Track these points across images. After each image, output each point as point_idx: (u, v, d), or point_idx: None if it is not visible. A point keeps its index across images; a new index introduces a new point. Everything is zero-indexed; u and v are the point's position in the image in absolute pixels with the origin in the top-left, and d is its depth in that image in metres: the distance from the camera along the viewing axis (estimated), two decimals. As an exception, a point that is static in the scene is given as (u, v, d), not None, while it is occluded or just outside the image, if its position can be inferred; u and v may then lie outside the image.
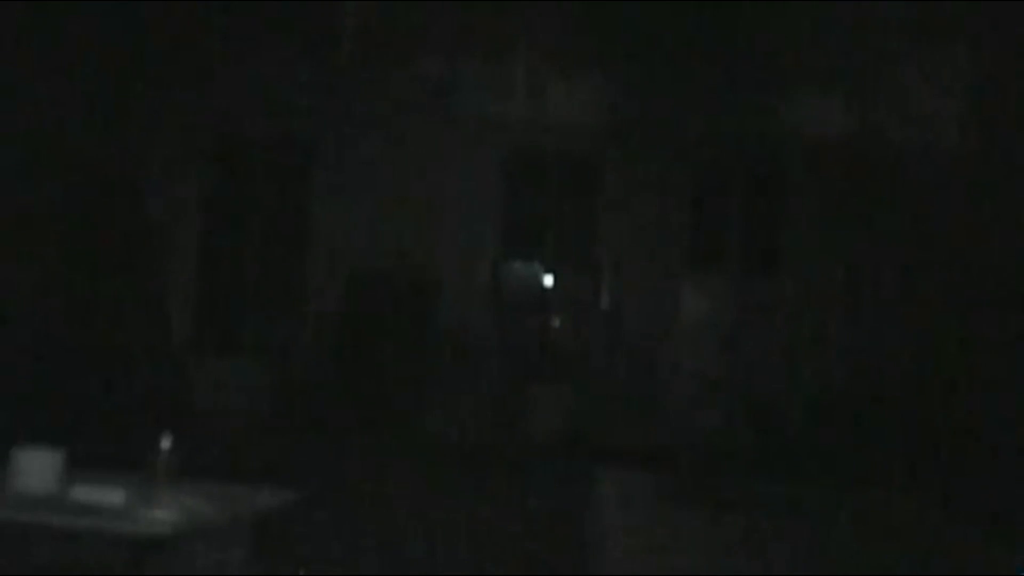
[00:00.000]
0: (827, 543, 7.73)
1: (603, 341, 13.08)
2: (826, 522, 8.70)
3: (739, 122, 13.04)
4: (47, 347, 11.15)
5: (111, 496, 3.76)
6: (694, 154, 13.28)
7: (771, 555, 7.26)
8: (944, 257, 12.23)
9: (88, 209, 12.23)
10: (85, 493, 3.77)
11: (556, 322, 13.46)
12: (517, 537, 7.62)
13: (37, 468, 3.86)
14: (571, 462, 11.43)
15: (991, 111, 12.39)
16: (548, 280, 13.51)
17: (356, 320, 13.07)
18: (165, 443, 3.90)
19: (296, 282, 13.56)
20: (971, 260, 12.07)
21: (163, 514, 3.68)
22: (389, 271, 13.06)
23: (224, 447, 9.50)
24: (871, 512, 9.21)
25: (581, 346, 13.20)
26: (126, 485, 3.83)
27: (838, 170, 12.90)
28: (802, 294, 12.95)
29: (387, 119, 13.14)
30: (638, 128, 13.10)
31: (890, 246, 12.56)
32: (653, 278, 13.14)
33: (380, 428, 12.05)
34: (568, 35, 13.02)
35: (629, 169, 13.29)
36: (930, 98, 12.60)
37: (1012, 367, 11.61)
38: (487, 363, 13.05)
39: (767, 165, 13.30)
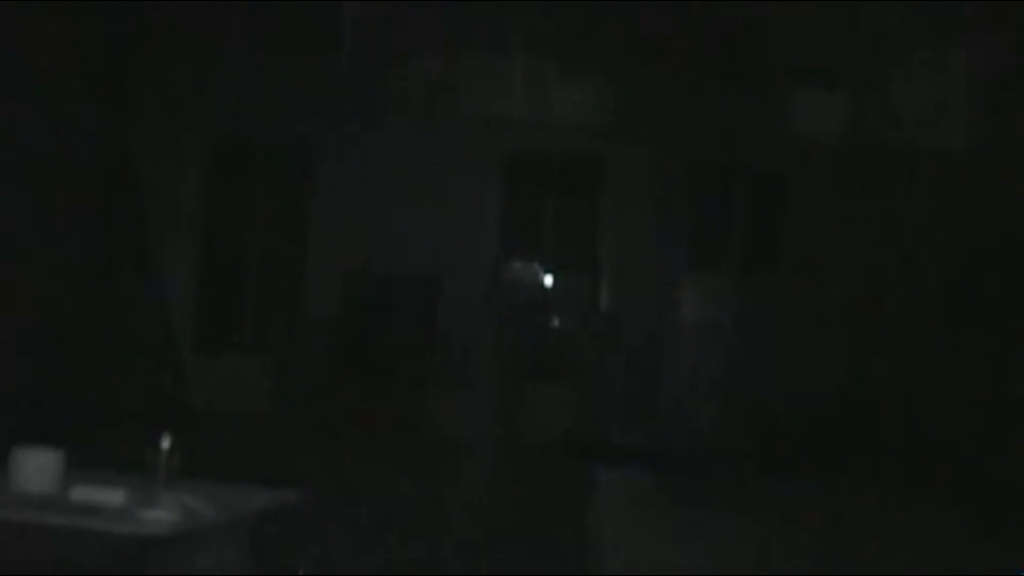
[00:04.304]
0: (827, 543, 7.74)
1: (603, 341, 13.08)
2: (826, 522, 8.70)
3: (739, 122, 13.04)
4: (47, 347, 11.14)
5: (111, 496, 3.76)
6: (694, 154, 13.28)
7: (771, 555, 7.27)
8: (944, 257, 12.23)
9: (87, 209, 12.22)
10: (85, 493, 3.77)
11: (556, 322, 13.47)
12: (517, 537, 7.62)
13: (37, 468, 3.86)
14: (571, 462, 11.44)
15: (991, 111, 12.39)
16: (548, 280, 13.51)
17: (356, 320, 13.07)
18: (165, 443, 3.90)
19: (296, 282, 13.56)
20: (971, 259, 12.06)
21: (163, 514, 3.68)
22: (389, 271, 13.06)
23: (224, 447, 9.50)
24: (870, 511, 9.21)
25: (581, 346, 13.19)
26: (126, 485, 3.83)
27: (838, 170, 12.90)
28: (802, 294, 12.94)
29: (387, 119, 13.13)
30: (638, 128, 13.10)
31: (890, 246, 12.56)
32: (653, 278, 13.14)
33: (380, 428, 12.05)
34: (568, 35, 13.01)
35: (629, 169, 13.29)
36: (930, 98, 12.59)
37: (1012, 366, 11.61)
38: (487, 363, 13.05)
39: (767, 165, 13.29)
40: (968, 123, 12.60)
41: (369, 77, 13.10)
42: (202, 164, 13.74)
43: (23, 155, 10.95)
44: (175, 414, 11.55)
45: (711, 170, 13.35)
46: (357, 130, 13.12)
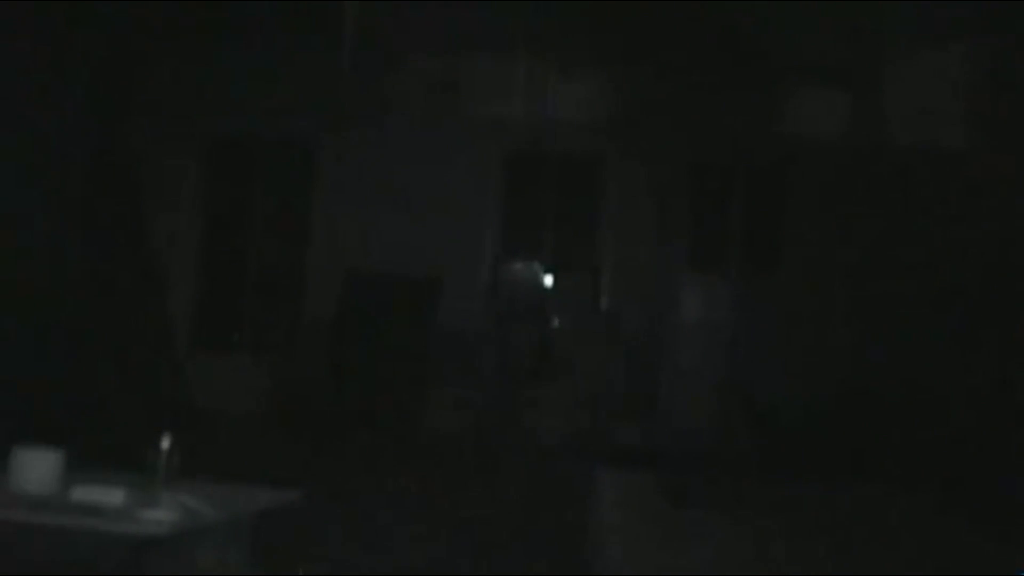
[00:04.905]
0: (827, 543, 7.73)
1: (603, 341, 13.08)
2: (826, 522, 8.70)
3: (739, 122, 13.04)
4: (47, 347, 11.15)
5: (111, 496, 3.75)
6: (694, 154, 13.28)
7: (771, 555, 7.27)
8: (944, 257, 12.23)
9: (88, 208, 12.23)
10: (85, 493, 3.77)
11: (556, 322, 13.46)
12: (517, 537, 7.62)
13: (37, 468, 3.85)
14: (571, 462, 11.43)
15: (991, 111, 12.39)
16: (548, 280, 13.51)
17: (356, 320, 13.07)
18: (165, 443, 3.89)
19: (295, 282, 13.56)
20: (971, 260, 12.07)
21: (163, 514, 3.68)
22: (389, 271, 13.06)
23: (224, 447, 9.50)
24: (870, 511, 9.21)
25: (581, 346, 13.19)
26: (126, 485, 3.82)
27: (838, 170, 12.90)
28: (802, 294, 12.94)
29: (387, 119, 13.14)
30: (638, 128, 13.10)
31: (890, 246, 12.56)
32: (653, 278, 13.14)
33: (380, 428, 12.05)
34: (568, 35, 13.02)
35: (629, 169, 13.30)
36: (930, 98, 12.59)
37: (1012, 366, 11.61)
38: (487, 363, 13.04)
39: (767, 165, 13.30)
40: (968, 123, 12.60)
41: (369, 77, 13.10)
42: (202, 164, 13.75)
43: (23, 155, 10.95)
44: (175, 414, 11.55)
45: (711, 170, 13.35)
46: (357, 130, 13.13)
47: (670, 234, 13.24)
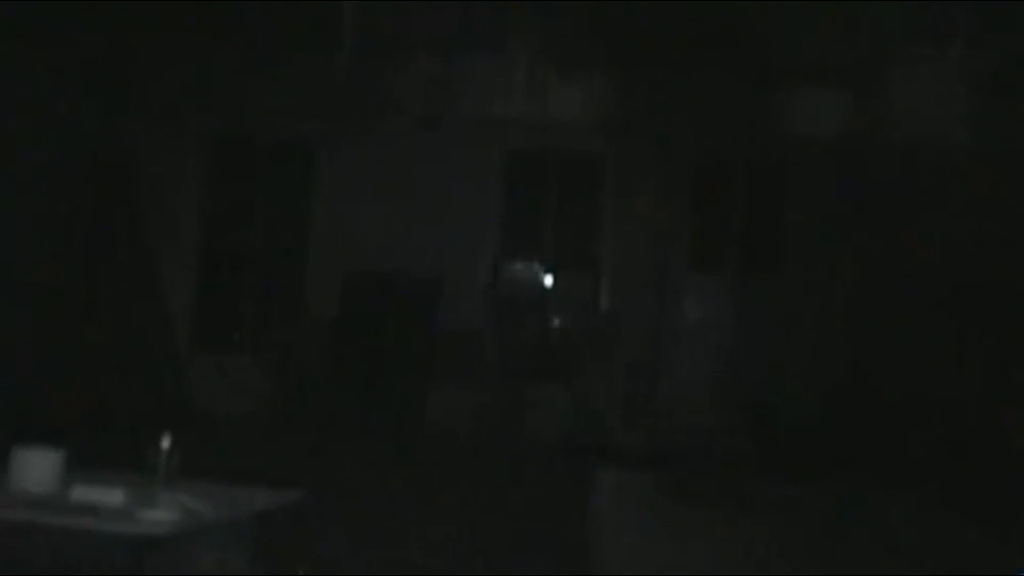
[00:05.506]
0: (827, 543, 7.74)
1: (603, 341, 13.08)
2: (826, 522, 8.71)
3: (739, 122, 13.04)
4: (47, 347, 11.15)
5: (111, 496, 3.76)
6: (694, 154, 13.27)
7: (771, 555, 7.27)
8: (944, 257, 12.23)
9: (88, 208, 12.23)
10: (85, 493, 3.77)
11: (556, 322, 13.46)
12: (517, 537, 7.62)
13: (37, 468, 3.85)
14: (571, 462, 11.43)
15: (991, 111, 12.39)
16: (548, 280, 13.51)
17: (356, 320, 13.07)
18: (165, 443, 3.89)
19: (296, 282, 13.56)
20: (971, 260, 12.07)
21: (163, 514, 3.68)
22: (389, 271, 13.06)
23: (224, 447, 9.50)
24: (870, 511, 9.21)
25: (581, 346, 13.19)
26: (126, 485, 3.83)
27: (838, 170, 12.90)
28: (802, 294, 12.94)
29: (387, 119, 13.13)
30: (638, 128, 13.10)
31: (890, 246, 12.56)
32: (653, 278, 13.14)
33: (380, 428, 12.05)
34: (568, 35, 13.01)
35: (629, 169, 13.29)
36: (930, 98, 12.59)
37: (1011, 366, 11.61)
38: (487, 363, 13.04)
39: (767, 165, 13.30)
40: (968, 123, 12.60)
41: (369, 77, 13.10)
42: (202, 164, 13.74)
43: (23, 155, 10.95)
44: (175, 414, 11.55)
45: (711, 169, 13.35)
46: (357, 130, 13.12)
47: (670, 234, 13.24)
